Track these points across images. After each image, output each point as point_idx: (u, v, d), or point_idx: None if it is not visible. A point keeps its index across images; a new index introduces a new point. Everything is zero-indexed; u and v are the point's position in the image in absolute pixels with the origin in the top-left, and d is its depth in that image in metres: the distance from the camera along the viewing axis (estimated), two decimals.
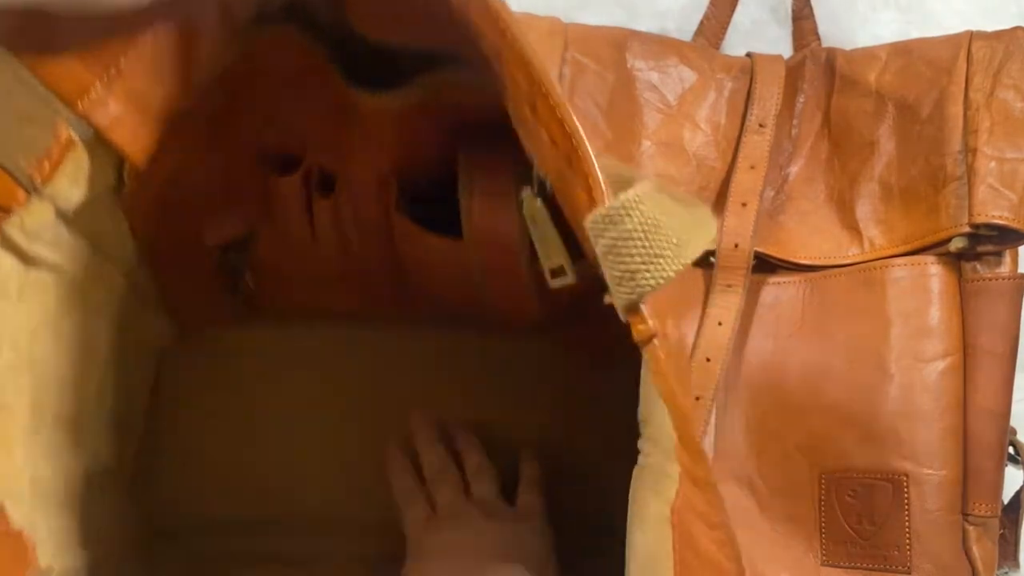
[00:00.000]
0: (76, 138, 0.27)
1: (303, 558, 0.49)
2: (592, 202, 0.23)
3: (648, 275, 0.22)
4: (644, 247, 0.22)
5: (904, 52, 0.43)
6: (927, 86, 0.41)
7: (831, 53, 0.43)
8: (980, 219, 0.37)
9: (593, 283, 0.28)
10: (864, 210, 0.41)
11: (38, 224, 0.29)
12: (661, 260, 0.22)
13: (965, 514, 0.37)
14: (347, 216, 0.41)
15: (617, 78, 0.44)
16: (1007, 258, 0.38)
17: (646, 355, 0.24)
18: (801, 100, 0.43)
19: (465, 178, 0.37)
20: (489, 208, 0.37)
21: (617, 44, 0.44)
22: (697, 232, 0.24)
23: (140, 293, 0.42)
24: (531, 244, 0.34)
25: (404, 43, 0.31)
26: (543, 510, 0.50)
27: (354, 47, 0.32)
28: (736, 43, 0.53)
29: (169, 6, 0.26)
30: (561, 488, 0.50)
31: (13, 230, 0.28)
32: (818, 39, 0.50)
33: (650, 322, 0.23)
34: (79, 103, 0.26)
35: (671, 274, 0.22)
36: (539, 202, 0.31)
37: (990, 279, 0.38)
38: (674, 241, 0.22)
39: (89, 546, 0.39)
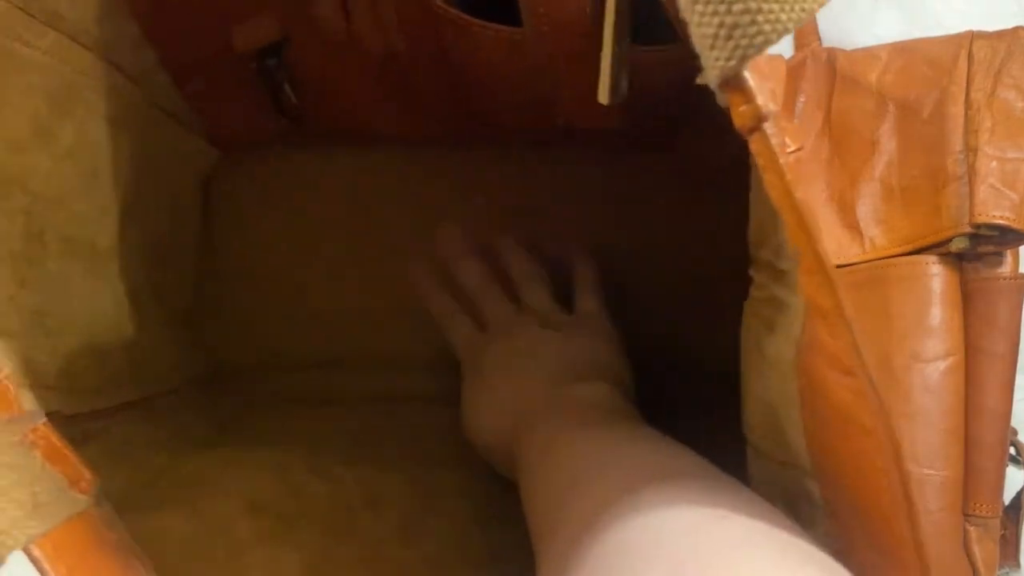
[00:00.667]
0: None
1: (363, 396, 0.46)
2: None
3: (753, 27, 0.16)
4: None
5: (905, 52, 0.43)
6: (928, 86, 0.41)
7: (832, 53, 0.43)
8: (981, 219, 0.37)
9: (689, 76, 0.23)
10: (865, 210, 0.41)
11: None
12: (774, 5, 0.16)
13: (966, 514, 0.37)
14: (386, 5, 0.35)
15: None
16: (1008, 258, 0.38)
17: (754, 147, 0.19)
18: (802, 100, 0.43)
19: None
20: None
21: None
22: None
23: (169, 109, 0.39)
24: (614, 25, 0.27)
25: None
26: (604, 312, 0.44)
27: None
28: None
29: None
30: (660, 332, 0.45)
31: None
32: (818, 39, 0.50)
33: (759, 99, 0.17)
34: None
35: (789, 25, 0.16)
36: None
37: (991, 279, 0.38)
38: None
39: (137, 381, 0.37)
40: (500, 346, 0.43)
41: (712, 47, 0.17)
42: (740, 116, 0.18)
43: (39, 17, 0.27)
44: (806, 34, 0.51)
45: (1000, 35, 0.42)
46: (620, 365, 0.42)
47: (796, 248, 0.20)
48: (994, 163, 0.38)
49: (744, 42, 0.16)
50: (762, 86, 0.17)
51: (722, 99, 0.18)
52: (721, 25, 0.16)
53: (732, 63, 0.17)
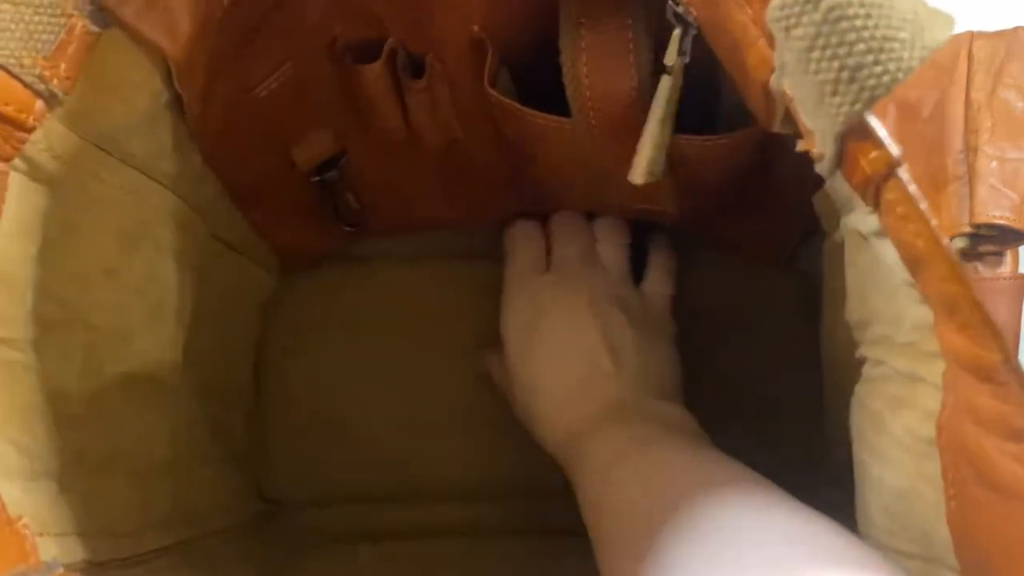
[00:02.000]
0: (96, 31, 0.22)
1: (426, 530, 0.45)
2: None
3: (878, 67, 0.15)
4: (868, 24, 0.15)
5: None
6: (928, 86, 0.41)
7: None
8: (981, 219, 0.37)
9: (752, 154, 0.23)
10: None
11: (73, 147, 0.24)
12: (895, 44, 0.15)
13: None
14: (443, 98, 0.36)
15: None
16: (1008, 258, 0.38)
17: (890, 196, 0.17)
18: None
19: (568, 28, 0.29)
20: (599, 67, 0.29)
21: None
22: (930, 14, 0.16)
23: (230, 241, 0.38)
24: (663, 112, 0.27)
25: None
26: (670, 304, 0.43)
27: None
28: None
29: None
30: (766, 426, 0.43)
31: (41, 156, 0.23)
32: None
33: (890, 147, 0.16)
34: None
35: (913, 63, 0.15)
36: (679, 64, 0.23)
37: (991, 279, 0.37)
38: (907, 17, 0.15)
39: (182, 524, 0.35)
40: (564, 291, 0.41)
41: (834, 93, 0.16)
42: (871, 164, 0.17)
43: (114, 154, 0.27)
44: None
45: (1000, 35, 0.42)
46: (669, 357, 0.41)
47: (947, 302, 0.17)
48: (994, 163, 0.38)
49: (871, 83, 0.15)
50: (894, 129, 0.16)
51: (828, 161, 0.17)
52: (842, 68, 0.15)
53: (858, 107, 0.16)
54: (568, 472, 0.38)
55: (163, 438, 0.35)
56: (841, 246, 0.28)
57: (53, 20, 0.22)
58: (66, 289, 0.27)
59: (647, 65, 0.28)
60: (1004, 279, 0.38)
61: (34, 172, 0.24)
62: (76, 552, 0.27)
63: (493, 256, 0.48)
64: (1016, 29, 0.41)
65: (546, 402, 0.40)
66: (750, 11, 0.18)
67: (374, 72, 0.34)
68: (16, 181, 0.23)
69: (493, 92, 0.33)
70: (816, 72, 0.16)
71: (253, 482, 0.45)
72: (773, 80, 0.18)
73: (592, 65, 0.29)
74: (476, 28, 0.31)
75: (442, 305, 0.47)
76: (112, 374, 0.31)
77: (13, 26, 0.21)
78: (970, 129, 0.40)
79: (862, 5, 0.16)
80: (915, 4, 0.16)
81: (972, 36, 0.43)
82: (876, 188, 0.17)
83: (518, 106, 0.33)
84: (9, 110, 0.21)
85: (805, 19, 0.16)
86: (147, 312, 0.33)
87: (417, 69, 0.35)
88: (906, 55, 0.16)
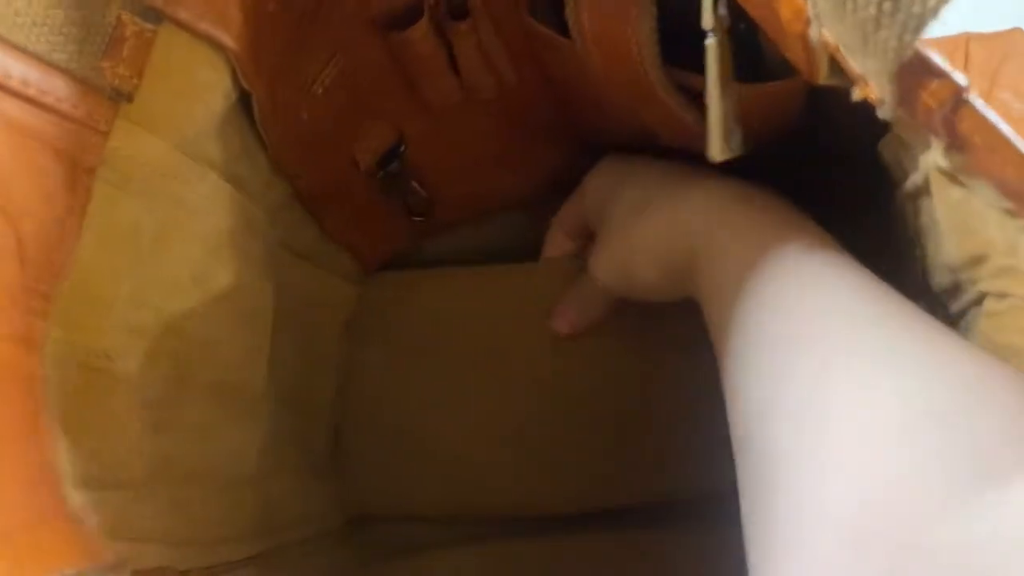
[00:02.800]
0: (149, 27, 0.22)
1: (500, 539, 0.44)
2: None
3: None
4: None
5: None
6: None
7: None
8: None
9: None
10: None
11: (155, 153, 0.24)
12: None
13: None
14: (489, 38, 0.35)
15: None
16: None
17: (967, 126, 0.16)
18: None
19: None
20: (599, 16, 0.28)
21: None
22: None
23: (304, 252, 0.38)
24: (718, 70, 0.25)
25: None
26: None
27: None
28: None
29: None
30: None
31: (126, 162, 0.23)
32: None
33: (953, 74, 0.15)
34: None
35: None
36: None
37: None
38: None
39: (266, 533, 0.35)
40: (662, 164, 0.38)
41: (878, 27, 0.15)
42: (935, 97, 0.16)
43: (197, 159, 0.27)
44: None
45: (997, 37, 0.43)
46: None
47: None
48: None
49: (916, 9, 0.14)
50: (947, 54, 0.15)
51: (889, 103, 0.15)
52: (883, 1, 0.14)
53: (907, 37, 0.15)
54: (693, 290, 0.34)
55: (249, 449, 0.35)
56: (915, 194, 0.28)
57: (102, 20, 0.22)
58: (155, 297, 0.27)
59: (649, 20, 0.27)
60: None
61: (122, 180, 0.24)
62: (157, 558, 0.27)
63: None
64: (1013, 31, 0.43)
65: (659, 263, 0.36)
66: None
67: (421, 30, 0.33)
68: (104, 191, 0.23)
69: (531, 21, 0.33)
70: (855, 10, 0.15)
71: (336, 495, 0.44)
72: (812, 31, 0.17)
73: (591, 14, 0.29)
74: None
75: (511, 309, 0.45)
76: (199, 382, 0.31)
77: (67, 29, 0.20)
78: None
79: None
80: None
81: (969, 37, 0.44)
82: (947, 122, 0.16)
83: (553, 34, 0.33)
84: (79, 113, 0.21)
85: None
86: (233, 321, 0.32)
87: (459, 12, 0.34)
88: None
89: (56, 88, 0.21)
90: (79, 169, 0.22)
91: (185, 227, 0.28)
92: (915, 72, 0.15)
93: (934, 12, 0.15)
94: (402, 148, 0.40)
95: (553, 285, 0.45)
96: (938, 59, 0.15)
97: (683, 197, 0.35)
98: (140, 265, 0.26)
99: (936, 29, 0.46)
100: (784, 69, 0.26)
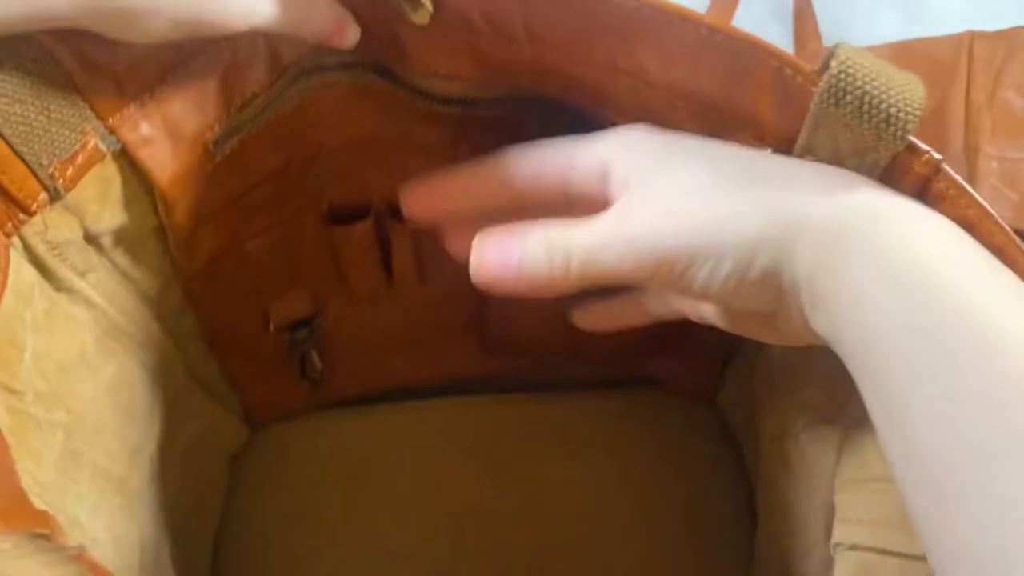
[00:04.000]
0: (105, 151, 0.26)
1: None
2: (804, 79, 0.21)
3: (906, 107, 0.21)
4: (885, 84, 0.22)
5: (905, 52, 0.43)
6: (928, 86, 0.42)
7: None
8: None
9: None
10: None
11: (62, 238, 0.27)
12: (907, 89, 0.22)
13: None
14: (426, 238, 0.37)
15: None
16: None
17: (936, 187, 0.22)
18: None
19: None
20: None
21: None
22: (907, 78, 0.22)
23: (203, 380, 0.39)
24: None
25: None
26: None
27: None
28: None
29: (212, 42, 0.25)
30: None
31: (34, 238, 0.27)
32: (819, 39, 0.51)
33: (933, 153, 0.21)
34: (110, 118, 0.25)
35: (922, 99, 0.21)
36: None
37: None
38: (899, 81, 0.22)
39: None
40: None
41: (880, 137, 0.22)
42: (923, 167, 0.21)
43: (98, 255, 0.29)
44: (807, 35, 0.52)
45: (1000, 35, 0.42)
46: None
47: (996, 248, 0.22)
48: (994, 163, 0.39)
49: (902, 117, 0.21)
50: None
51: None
52: (881, 118, 0.22)
53: (898, 138, 0.21)
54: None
55: (131, 544, 0.35)
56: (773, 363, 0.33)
57: (73, 135, 0.25)
58: (49, 365, 0.29)
59: None
60: None
61: (28, 252, 0.27)
62: None
63: (470, 400, 0.47)
64: (1016, 29, 0.42)
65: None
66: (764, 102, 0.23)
67: (365, 228, 0.36)
68: (14, 256, 0.26)
69: None
70: (862, 132, 0.22)
71: None
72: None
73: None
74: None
75: (418, 459, 0.46)
76: (87, 462, 0.32)
77: (42, 132, 0.25)
78: (970, 129, 0.41)
79: (875, 73, 0.22)
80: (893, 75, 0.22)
81: (972, 36, 0.44)
82: (925, 183, 0.22)
83: None
84: (20, 194, 0.25)
85: (842, 98, 0.21)
86: (117, 412, 0.33)
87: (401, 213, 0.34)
88: (917, 93, 0.22)
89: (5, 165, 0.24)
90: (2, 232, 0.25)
91: (75, 311, 0.30)
92: (908, 153, 0.22)
93: (915, 121, 0.22)
94: (316, 320, 0.41)
95: (447, 419, 0.46)
96: (923, 145, 0.21)
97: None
98: (38, 333, 0.28)
99: (938, 29, 0.45)
100: None
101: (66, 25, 0.22)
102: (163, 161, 0.27)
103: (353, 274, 0.38)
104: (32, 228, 0.26)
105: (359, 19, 0.26)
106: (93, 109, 0.25)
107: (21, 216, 0.26)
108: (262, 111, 0.28)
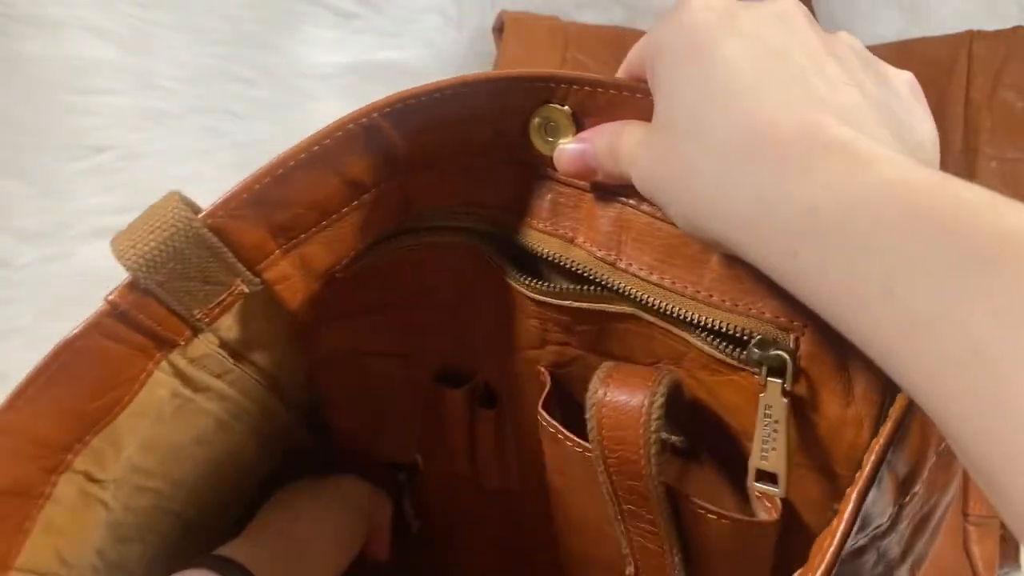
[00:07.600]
0: (247, 290, 0.28)
1: None
2: None
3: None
4: None
5: (905, 51, 0.43)
6: (928, 86, 0.41)
7: None
8: None
9: None
10: None
11: (201, 353, 0.30)
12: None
13: (965, 514, 0.37)
14: (508, 435, 0.39)
15: None
16: None
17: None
18: None
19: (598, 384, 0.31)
20: (616, 418, 0.31)
21: (616, 43, 0.44)
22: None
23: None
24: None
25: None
26: None
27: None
28: None
29: (358, 201, 0.28)
30: None
31: (176, 358, 0.29)
32: None
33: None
34: (258, 266, 0.28)
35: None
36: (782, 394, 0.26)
37: None
38: None
39: None
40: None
41: None
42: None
43: (228, 352, 0.32)
44: None
45: (1000, 35, 0.42)
46: None
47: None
48: (994, 163, 0.38)
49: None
50: None
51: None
52: None
53: None
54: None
55: None
56: None
57: (224, 287, 0.28)
58: (161, 447, 0.31)
59: (656, 435, 0.29)
60: None
61: (171, 367, 0.29)
62: None
63: None
64: (1016, 29, 0.41)
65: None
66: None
67: (456, 398, 0.38)
68: (156, 376, 0.29)
69: (543, 413, 0.35)
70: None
71: None
72: None
73: (612, 413, 0.31)
74: (542, 368, 0.36)
75: None
76: (170, 509, 0.34)
77: (200, 295, 0.27)
78: (970, 129, 0.41)
79: None
80: None
81: (972, 36, 0.43)
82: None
83: (560, 428, 0.34)
84: (168, 334, 0.27)
85: None
86: (216, 472, 0.36)
87: (490, 401, 0.38)
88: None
89: (151, 313, 0.27)
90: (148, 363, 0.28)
91: (207, 406, 0.32)
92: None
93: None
94: (415, 470, 0.43)
95: None
96: None
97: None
98: (158, 423, 0.30)
99: (937, 29, 0.44)
100: None
101: None
102: (295, 292, 0.29)
103: (444, 437, 0.40)
104: (175, 353, 0.28)
105: None
106: (244, 262, 0.27)
107: (165, 351, 0.28)
108: (384, 252, 0.31)
